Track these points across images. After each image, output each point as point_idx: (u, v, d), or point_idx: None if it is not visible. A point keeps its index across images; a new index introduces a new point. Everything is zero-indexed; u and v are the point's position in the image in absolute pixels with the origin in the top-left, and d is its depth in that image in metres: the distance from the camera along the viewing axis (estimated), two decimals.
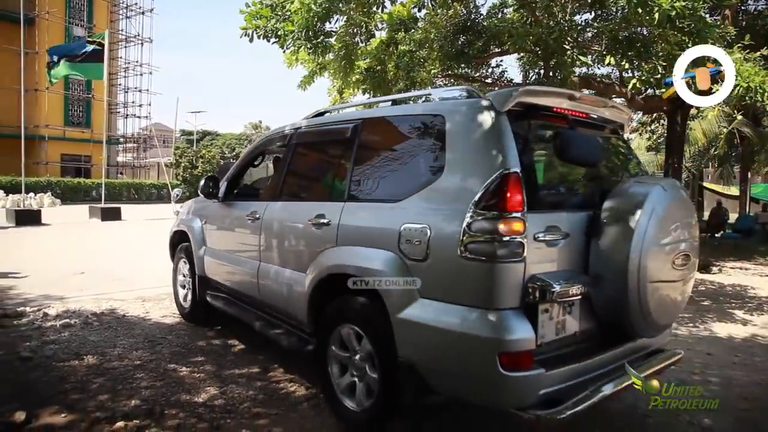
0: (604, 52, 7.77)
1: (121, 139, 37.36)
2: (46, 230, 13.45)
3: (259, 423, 3.24)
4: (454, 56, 9.58)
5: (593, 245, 2.80)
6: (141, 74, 34.90)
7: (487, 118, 2.71)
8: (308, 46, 7.83)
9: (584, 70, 10.51)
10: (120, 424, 3.10)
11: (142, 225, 15.97)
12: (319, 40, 7.94)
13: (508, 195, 2.47)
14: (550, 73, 9.07)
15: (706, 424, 3.47)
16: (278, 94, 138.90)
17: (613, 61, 7.10)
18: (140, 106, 35.77)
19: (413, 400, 2.83)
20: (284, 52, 8.62)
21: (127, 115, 35.94)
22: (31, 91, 27.22)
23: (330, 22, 8.13)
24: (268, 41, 7.83)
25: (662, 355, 3.24)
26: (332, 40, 8.34)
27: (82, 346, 4.48)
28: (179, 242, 5.57)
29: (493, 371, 2.42)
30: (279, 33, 7.67)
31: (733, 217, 19.75)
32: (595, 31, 8.61)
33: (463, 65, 10.74)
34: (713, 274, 10.17)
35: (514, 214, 2.46)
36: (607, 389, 2.67)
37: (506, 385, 2.44)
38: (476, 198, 2.53)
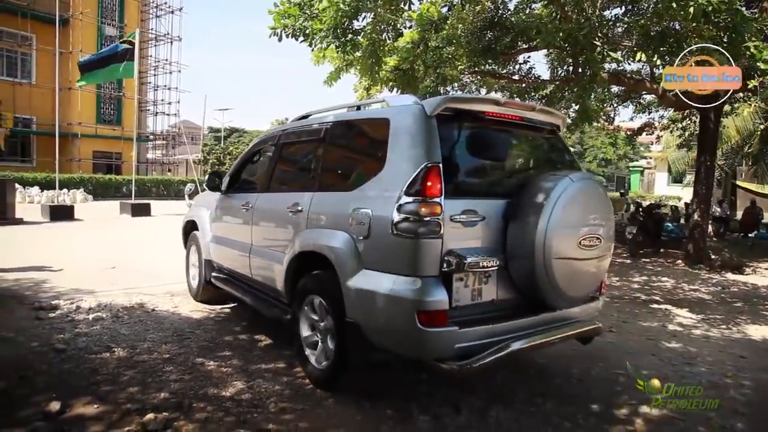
0: (635, 48, 7.61)
1: (151, 137, 37.86)
2: (79, 225, 13.74)
3: (285, 418, 3.26)
4: (481, 52, 9.50)
5: (509, 227, 3.31)
6: (170, 72, 35.32)
7: (419, 122, 3.27)
8: (336, 44, 7.84)
9: (614, 66, 10.33)
10: (150, 416, 3.14)
11: (170, 221, 16.19)
12: (347, 38, 7.94)
13: (429, 184, 3.02)
14: (579, 70, 8.94)
15: (739, 428, 3.38)
16: (305, 90, 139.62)
17: (644, 57, 6.94)
18: (169, 103, 36.20)
19: (359, 355, 3.42)
20: (312, 50, 8.66)
21: (157, 112, 36.39)
22: (65, 89, 27.75)
23: (358, 20, 8.13)
24: (296, 40, 7.86)
25: (578, 324, 3.65)
26: (360, 37, 8.34)
27: (113, 339, 4.57)
28: (190, 231, 6.15)
29: (413, 327, 2.97)
30: (307, 31, 7.70)
31: (767, 216, 19.22)
32: (626, 26, 8.46)
33: (490, 61, 10.65)
34: (746, 275, 9.91)
35: (433, 199, 3.01)
36: (515, 346, 3.13)
37: (424, 339, 3.00)
38: (405, 186, 3.09)
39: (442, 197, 3.03)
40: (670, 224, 13.90)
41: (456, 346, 3.03)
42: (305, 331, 3.87)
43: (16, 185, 16.57)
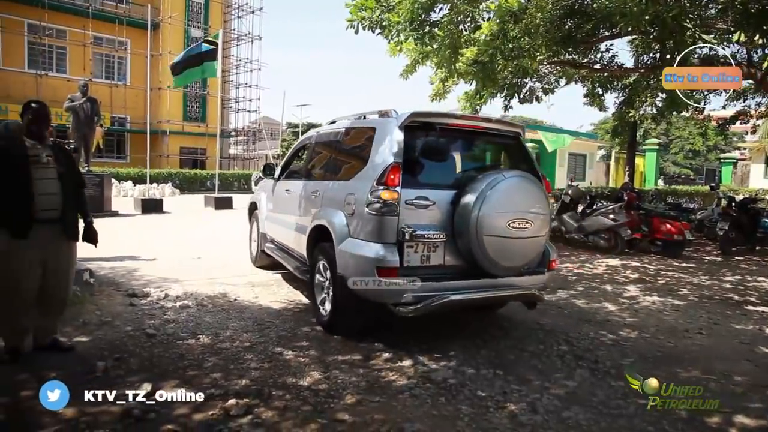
0: (732, 28, 7.06)
1: (233, 133, 39.18)
2: (167, 218, 14.43)
3: (361, 409, 3.27)
4: (561, 41, 9.13)
5: (455, 211, 4.32)
6: (251, 71, 36.38)
7: (391, 131, 4.41)
8: (413, 36, 7.77)
9: (706, 50, 9.64)
10: (232, 401, 3.23)
11: None
12: (424, 30, 7.86)
13: (391, 176, 4.18)
14: (667, 56, 8.41)
15: None
16: (380, 85, 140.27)
17: (743, 38, 6.41)
18: (250, 101, 37.29)
19: (346, 301, 4.42)
20: (389, 42, 8.63)
21: (238, 109, 37.57)
22: (155, 89, 29.21)
23: (435, 12, 8.02)
24: (373, 32, 7.85)
25: (515, 289, 4.61)
26: (437, 30, 8.22)
27: (198, 327, 4.76)
28: (253, 210, 7.72)
29: (375, 278, 4.10)
30: (384, 24, 7.68)
31: None
32: (721, 6, 7.86)
33: (570, 50, 10.26)
34: None
35: (393, 188, 4.16)
36: (453, 298, 4.22)
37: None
38: (377, 178, 4.23)
39: (400, 186, 4.18)
40: (767, 219, 12.85)
41: (405, 294, 4.13)
42: (317, 289, 4.97)
43: (112, 180, 17.57)
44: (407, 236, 4.12)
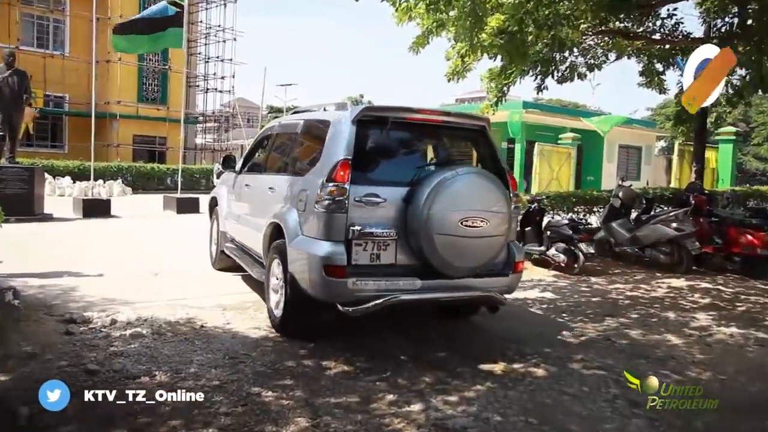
0: None
1: (201, 118, 39.10)
2: (116, 223, 14.40)
3: None
4: (610, 6, 9.12)
5: (408, 209, 5.00)
6: (223, 41, 36.38)
7: (344, 125, 5.18)
8: (426, 0, 7.76)
9: None
10: None
11: None
12: None
13: (340, 173, 4.89)
14: (748, 21, 8.38)
15: None
16: (383, 63, 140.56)
17: None
18: (222, 78, 37.30)
19: (297, 299, 5.24)
20: (397, 7, 8.62)
21: (208, 89, 37.56)
22: (102, 62, 28.96)
23: None
24: None
25: (472, 290, 5.30)
26: None
27: (154, 361, 4.74)
28: (214, 206, 8.71)
29: (322, 276, 4.83)
30: None
31: None
32: None
33: (622, 17, 10.24)
34: None
35: (341, 185, 4.87)
36: (403, 297, 4.91)
37: (329, 286, 4.86)
38: (327, 174, 4.96)
39: (349, 183, 4.89)
40: None
41: (353, 293, 4.82)
42: (272, 290, 5.78)
43: (46, 175, 17.52)
44: (356, 234, 4.85)
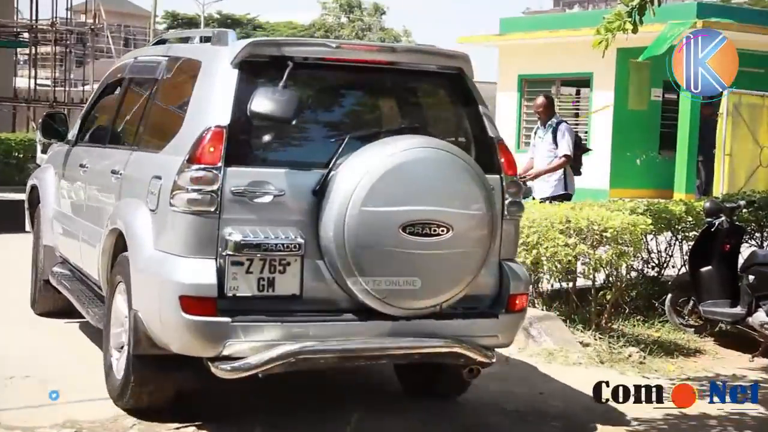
0: None
1: (26, 36, 26.21)
2: None
3: None
4: None
5: (321, 206, 3.44)
6: None
7: (219, 70, 3.59)
8: None
9: None
10: None
11: None
12: None
13: (207, 149, 3.32)
14: None
15: None
16: None
17: None
18: None
19: (140, 351, 3.59)
20: None
21: None
22: None
23: None
24: None
25: (427, 342, 3.63)
26: None
27: None
28: (35, 202, 6.14)
29: (177, 314, 3.25)
30: None
31: None
32: None
33: None
34: None
35: (208, 168, 3.29)
36: (316, 349, 3.38)
37: (189, 328, 3.27)
38: (187, 152, 3.37)
39: (223, 164, 3.30)
40: None
41: (228, 342, 3.28)
42: (114, 341, 4.07)
43: None
44: (234, 246, 3.31)
